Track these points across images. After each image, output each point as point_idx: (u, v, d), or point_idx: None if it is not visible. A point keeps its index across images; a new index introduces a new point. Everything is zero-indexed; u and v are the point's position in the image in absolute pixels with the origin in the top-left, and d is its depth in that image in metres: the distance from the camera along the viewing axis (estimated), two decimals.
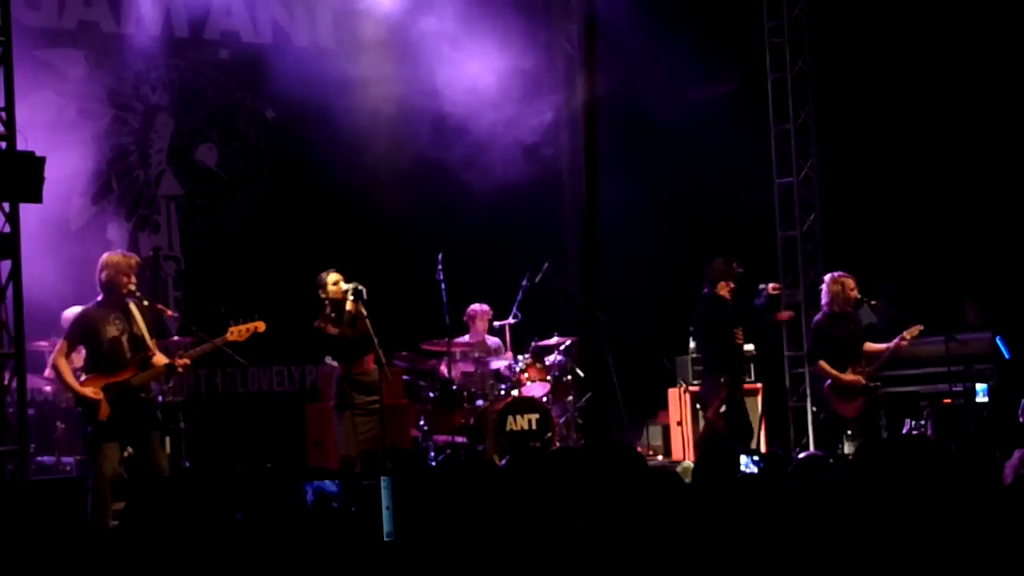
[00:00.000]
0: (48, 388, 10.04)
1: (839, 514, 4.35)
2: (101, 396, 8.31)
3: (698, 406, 11.69)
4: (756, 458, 6.65)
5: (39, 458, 9.81)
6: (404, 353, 11.63)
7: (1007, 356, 11.99)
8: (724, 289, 10.82)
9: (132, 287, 8.47)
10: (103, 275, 8.47)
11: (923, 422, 11.20)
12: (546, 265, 12.13)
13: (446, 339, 11.43)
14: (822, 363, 10.51)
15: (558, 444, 11.45)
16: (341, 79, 12.46)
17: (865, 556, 4.12)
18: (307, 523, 5.54)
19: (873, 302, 10.93)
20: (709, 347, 11.03)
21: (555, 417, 11.71)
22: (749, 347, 11.59)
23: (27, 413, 8.84)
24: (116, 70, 12.11)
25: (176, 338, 9.94)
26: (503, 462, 9.16)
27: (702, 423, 11.36)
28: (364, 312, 9.30)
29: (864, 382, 10.40)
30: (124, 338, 8.44)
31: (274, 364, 12.56)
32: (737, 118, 13.18)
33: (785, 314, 12.28)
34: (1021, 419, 10.49)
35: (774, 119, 13.36)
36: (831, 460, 6.40)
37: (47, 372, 9.65)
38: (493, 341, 12.15)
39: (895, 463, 4.28)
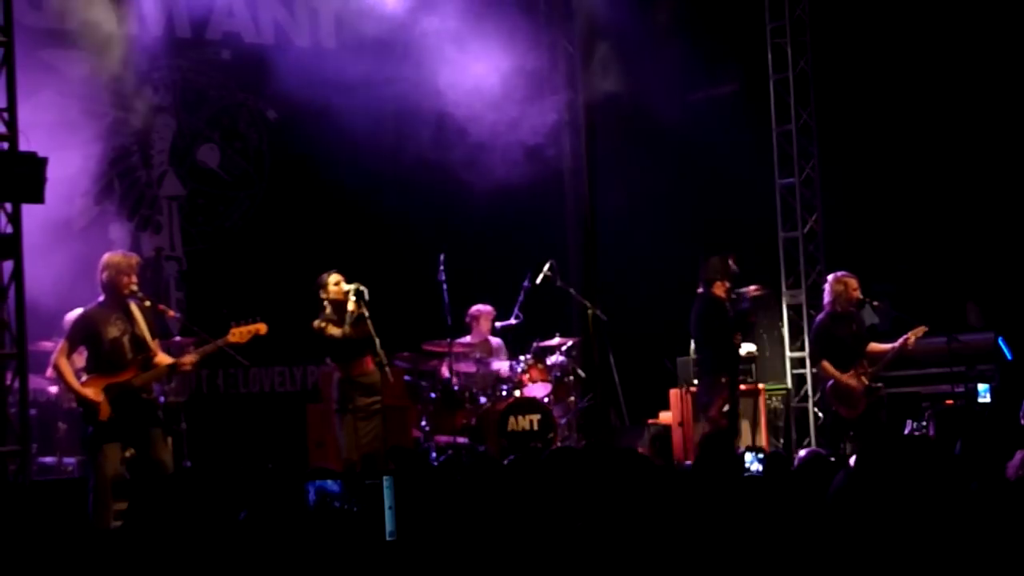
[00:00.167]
0: (53, 389, 10.01)
1: (841, 514, 4.35)
2: (102, 397, 8.31)
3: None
4: (761, 456, 6.66)
5: (41, 458, 9.80)
6: (406, 354, 11.61)
7: (1009, 357, 11.97)
8: (720, 289, 10.81)
9: (133, 287, 8.47)
10: (104, 275, 8.47)
11: (925, 423, 11.18)
12: (550, 264, 12.09)
13: (448, 340, 11.44)
14: (825, 363, 10.52)
15: (559, 445, 11.43)
16: (343, 80, 12.43)
17: (866, 556, 4.12)
18: (309, 523, 5.54)
19: (875, 303, 10.92)
20: (707, 348, 11.02)
21: (557, 418, 11.70)
22: (750, 348, 11.56)
23: (29, 413, 8.83)
24: (118, 71, 12.10)
25: (178, 338, 9.94)
26: (507, 460, 9.15)
27: (702, 423, 11.33)
28: (366, 313, 9.30)
29: (865, 384, 10.39)
30: (125, 339, 8.44)
31: (276, 365, 12.56)
32: (739, 118, 13.19)
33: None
34: (1023, 420, 10.47)
35: (776, 119, 13.37)
36: (832, 459, 6.40)
37: (48, 372, 9.65)
38: (496, 342, 12.15)
39: (897, 464, 4.28)
